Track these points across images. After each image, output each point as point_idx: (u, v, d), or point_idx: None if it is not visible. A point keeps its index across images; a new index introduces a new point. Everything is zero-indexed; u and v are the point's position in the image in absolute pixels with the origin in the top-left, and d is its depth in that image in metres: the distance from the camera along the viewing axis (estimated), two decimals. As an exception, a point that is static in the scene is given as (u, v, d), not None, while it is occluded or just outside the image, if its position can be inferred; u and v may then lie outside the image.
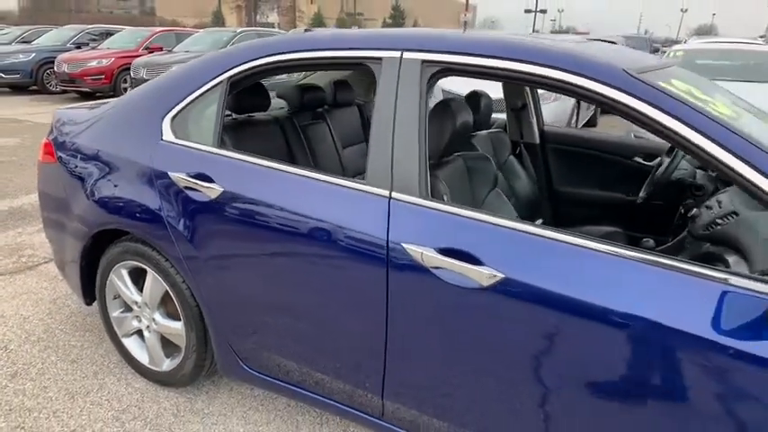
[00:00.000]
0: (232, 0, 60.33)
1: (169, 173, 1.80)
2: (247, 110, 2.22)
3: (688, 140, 1.14)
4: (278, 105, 2.68)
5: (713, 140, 1.12)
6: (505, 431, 1.35)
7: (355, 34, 1.63)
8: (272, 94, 2.35)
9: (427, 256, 1.32)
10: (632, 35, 20.35)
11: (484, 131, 2.46)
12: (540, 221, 2.70)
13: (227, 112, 2.23)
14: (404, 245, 1.36)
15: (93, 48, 11.13)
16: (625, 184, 2.53)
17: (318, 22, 69.20)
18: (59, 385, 2.11)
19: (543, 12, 44.57)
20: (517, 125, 2.67)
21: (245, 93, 2.13)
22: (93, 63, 9.96)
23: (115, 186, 1.95)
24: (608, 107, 1.25)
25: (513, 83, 1.48)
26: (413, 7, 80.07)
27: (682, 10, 75.63)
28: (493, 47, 1.38)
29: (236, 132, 2.22)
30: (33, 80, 10.93)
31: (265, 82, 2.26)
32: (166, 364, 2.07)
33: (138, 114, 1.99)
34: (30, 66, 10.82)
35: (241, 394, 2.09)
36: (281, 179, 1.60)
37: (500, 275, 1.24)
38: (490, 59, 1.36)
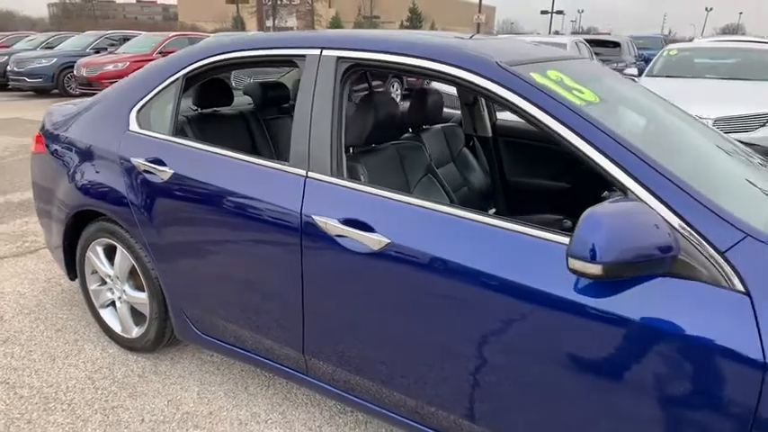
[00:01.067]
0: (251, 5, 61.28)
1: (131, 158, 2.04)
2: (211, 105, 2.45)
3: (543, 123, 1.33)
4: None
5: (563, 123, 1.30)
6: (408, 378, 1.53)
7: (286, 35, 1.85)
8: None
9: (331, 225, 1.53)
10: (647, 35, 20.19)
11: (438, 125, 2.64)
12: (492, 211, 2.88)
13: (195, 108, 2.47)
14: (314, 216, 1.57)
15: (111, 52, 11.59)
16: (571, 173, 2.69)
17: (336, 25, 69.85)
18: (43, 349, 2.37)
19: (560, 13, 44.19)
20: (470, 119, 2.85)
21: (208, 90, 2.37)
22: (110, 67, 10.40)
23: (90, 172, 2.20)
24: (482, 95, 1.43)
25: (407, 75, 1.66)
26: (430, 10, 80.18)
27: (706, 9, 74.28)
28: (390, 44, 1.58)
29: (203, 124, 2.45)
30: (55, 84, 11.43)
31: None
32: (135, 332, 2.31)
33: (111, 108, 2.24)
34: (51, 70, 11.32)
35: (201, 360, 2.32)
36: (221, 163, 1.83)
37: (387, 240, 1.44)
38: (387, 55, 1.57)
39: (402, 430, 1.68)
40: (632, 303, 1.14)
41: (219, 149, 1.86)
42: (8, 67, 11.70)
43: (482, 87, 1.42)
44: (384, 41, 1.61)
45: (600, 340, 1.18)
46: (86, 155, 2.24)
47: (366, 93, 2.07)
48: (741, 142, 2.08)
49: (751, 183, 1.52)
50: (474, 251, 1.33)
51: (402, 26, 74.43)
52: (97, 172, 2.17)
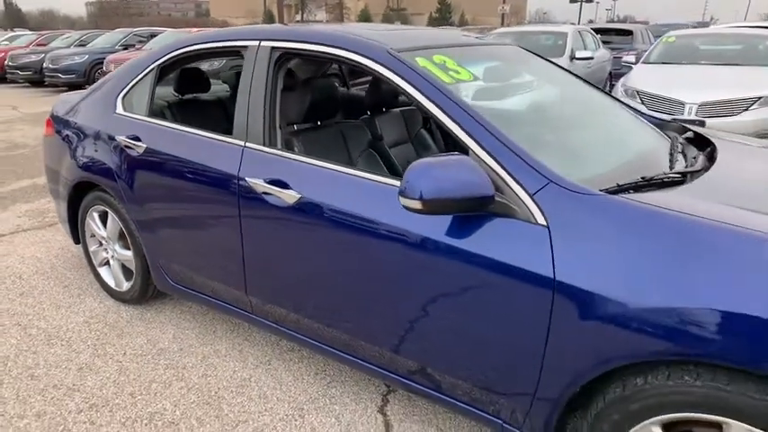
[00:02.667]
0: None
1: (116, 136, 2.43)
2: (189, 91, 2.82)
3: (415, 98, 1.63)
4: None
5: (427, 97, 1.60)
6: (331, 313, 1.84)
7: (232, 30, 2.21)
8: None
9: (259, 184, 1.88)
10: (675, 23, 19.83)
11: (397, 109, 2.95)
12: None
13: (176, 94, 2.84)
14: (247, 178, 1.92)
15: (139, 49, 12.22)
16: None
17: (365, 18, 70.11)
18: (51, 301, 2.81)
19: (589, 1, 43.27)
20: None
21: (186, 78, 2.73)
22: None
23: (87, 149, 2.61)
24: (375, 77, 1.74)
25: (323, 61, 1.98)
26: (460, 0, 79.39)
27: (749, -7, 71.31)
28: (309, 35, 1.91)
29: (184, 109, 2.82)
30: (86, 79, 12.12)
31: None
32: (125, 286, 2.72)
33: (104, 95, 2.64)
34: (83, 67, 12.02)
35: (180, 310, 2.71)
36: (183, 137, 2.20)
37: (298, 195, 1.78)
38: (307, 44, 1.90)
39: (337, 362, 2.02)
40: (463, 236, 1.44)
41: (183, 127, 2.23)
42: (44, 64, 12.47)
43: (374, 70, 1.73)
44: (305, 34, 1.95)
45: (436, 265, 1.49)
46: (84, 135, 2.64)
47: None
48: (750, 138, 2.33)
49: (604, 143, 1.79)
50: (356, 199, 1.65)
51: (431, 18, 74.08)
52: (92, 149, 2.58)
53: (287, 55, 2.00)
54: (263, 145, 1.95)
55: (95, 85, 2.82)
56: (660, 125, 2.35)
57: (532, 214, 1.39)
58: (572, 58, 7.29)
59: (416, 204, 1.35)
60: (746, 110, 5.12)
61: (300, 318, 1.97)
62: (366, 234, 1.64)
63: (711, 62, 6.25)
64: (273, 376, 2.19)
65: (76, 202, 2.81)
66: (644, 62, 6.77)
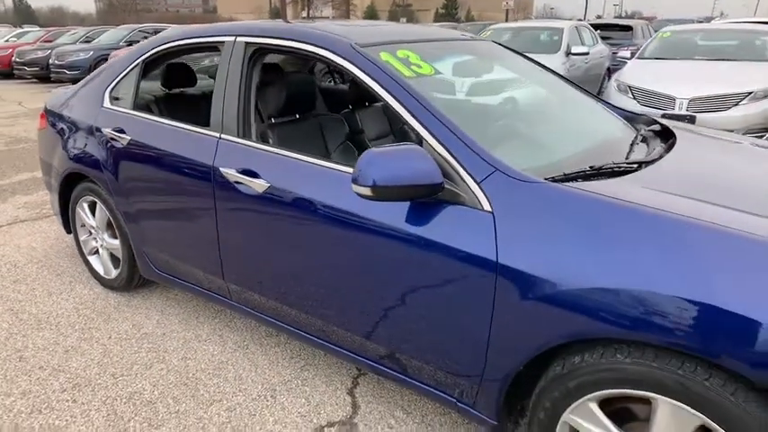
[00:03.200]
0: (287, -4, 62.02)
1: (102, 129, 2.52)
2: (176, 86, 2.90)
3: (375, 91, 1.70)
4: None
5: (387, 90, 1.67)
6: (304, 298, 1.92)
7: (213, 26, 2.28)
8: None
9: (231, 174, 1.96)
10: (679, 18, 19.68)
11: (380, 103, 3.02)
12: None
13: (164, 89, 2.93)
14: (221, 168, 2.00)
15: (142, 45, 12.34)
16: None
17: (371, 14, 69.99)
18: (44, 288, 2.91)
19: (596, -4, 42.82)
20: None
21: (172, 73, 2.82)
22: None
23: (76, 141, 2.70)
24: (340, 71, 1.82)
25: (294, 55, 2.05)
26: (466, -4, 79.02)
27: (759, -11, 70.46)
28: (280, 32, 1.99)
29: (171, 103, 2.91)
30: (91, 75, 12.28)
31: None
32: (114, 273, 2.81)
33: (92, 89, 2.73)
34: (88, 62, 12.17)
35: (166, 297, 2.81)
36: (164, 129, 2.28)
37: (267, 184, 1.86)
38: (278, 40, 1.98)
39: (312, 347, 2.10)
40: (416, 222, 1.52)
41: (164, 119, 2.32)
42: (50, 60, 12.64)
43: (339, 64, 1.81)
44: (277, 30, 2.02)
45: (391, 250, 1.56)
46: (74, 128, 2.74)
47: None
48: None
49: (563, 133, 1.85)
50: (319, 187, 1.73)
51: (437, 14, 73.81)
52: (81, 141, 2.67)
53: (260, 50, 2.07)
54: (237, 136, 2.03)
55: (86, 79, 2.91)
56: (630, 118, 2.40)
57: (479, 201, 1.46)
58: (567, 53, 7.31)
59: (367, 191, 1.42)
60: (737, 105, 5.14)
61: (275, 304, 2.05)
62: (327, 221, 1.72)
63: (706, 57, 6.26)
64: (250, 359, 2.28)
65: (67, 192, 2.91)
66: (638, 57, 6.79)
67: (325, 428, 1.89)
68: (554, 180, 1.47)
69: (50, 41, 15.04)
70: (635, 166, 1.63)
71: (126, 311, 2.68)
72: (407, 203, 1.57)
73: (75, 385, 2.12)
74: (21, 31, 17.93)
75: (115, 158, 2.45)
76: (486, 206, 1.44)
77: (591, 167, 1.57)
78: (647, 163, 1.66)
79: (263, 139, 2.17)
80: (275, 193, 1.85)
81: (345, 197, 1.67)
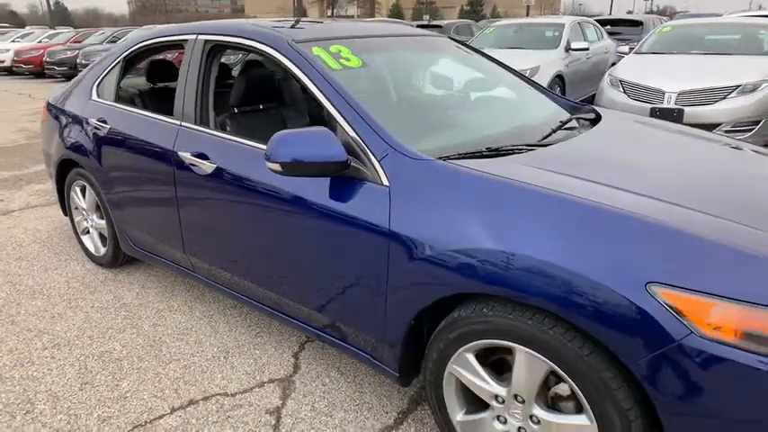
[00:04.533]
0: (312, -5, 62.80)
1: (89, 119, 2.80)
2: (159, 81, 3.17)
3: (303, 83, 1.90)
4: None
5: (312, 81, 1.87)
6: (253, 270, 2.14)
7: (180, 26, 2.53)
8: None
9: (187, 157, 2.20)
10: (702, 14, 19.22)
11: None
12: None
13: (150, 84, 3.20)
14: (179, 152, 2.24)
15: (163, 44, 12.81)
16: None
17: (396, 12, 70.13)
18: (41, 264, 3.22)
19: (622, -9, 42.03)
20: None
21: (156, 69, 3.08)
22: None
23: (69, 131, 2.99)
24: (278, 66, 2.03)
25: (243, 51, 2.26)
26: (492, -7, 78.33)
27: (799, -19, 67.81)
28: (231, 29, 2.22)
29: (154, 96, 3.17)
30: (115, 74, 12.82)
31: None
32: (102, 251, 3.10)
33: (84, 83, 3.02)
34: (112, 61, 12.68)
35: (148, 273, 3.08)
36: (137, 118, 2.54)
37: (215, 165, 2.09)
38: (229, 37, 2.21)
39: (267, 316, 2.32)
40: (330, 195, 1.72)
41: (138, 110, 2.58)
42: (78, 60, 13.23)
43: (276, 58, 2.02)
44: (229, 28, 2.25)
45: (309, 221, 1.77)
46: (68, 119, 3.03)
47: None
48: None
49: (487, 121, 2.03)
50: (253, 166, 1.95)
51: (462, 11, 73.45)
52: (72, 131, 2.96)
53: (217, 47, 2.31)
54: (195, 124, 2.27)
55: (80, 74, 3.20)
56: (573, 107, 2.55)
57: (380, 177, 1.65)
58: (567, 49, 7.37)
59: (277, 167, 1.64)
60: (724, 98, 5.16)
61: (227, 275, 2.28)
62: (261, 197, 1.94)
63: (702, 52, 6.26)
64: (212, 327, 2.52)
65: (62, 178, 3.21)
66: (636, 52, 6.82)
67: (266, 384, 2.12)
68: (447, 159, 1.65)
69: (79, 42, 15.70)
70: (526, 147, 1.80)
71: (110, 285, 2.96)
72: (327, 180, 1.78)
73: (55, 345, 2.40)
74: (53, 32, 18.73)
75: (99, 145, 2.73)
76: (385, 181, 1.64)
77: (487, 148, 1.75)
78: (543, 145, 1.83)
79: (223, 128, 2.40)
80: (220, 174, 2.08)
81: (273, 176, 1.89)
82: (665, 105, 5.33)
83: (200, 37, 2.34)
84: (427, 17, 43.33)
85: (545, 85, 6.71)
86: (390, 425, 1.90)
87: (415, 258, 1.54)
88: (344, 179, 1.73)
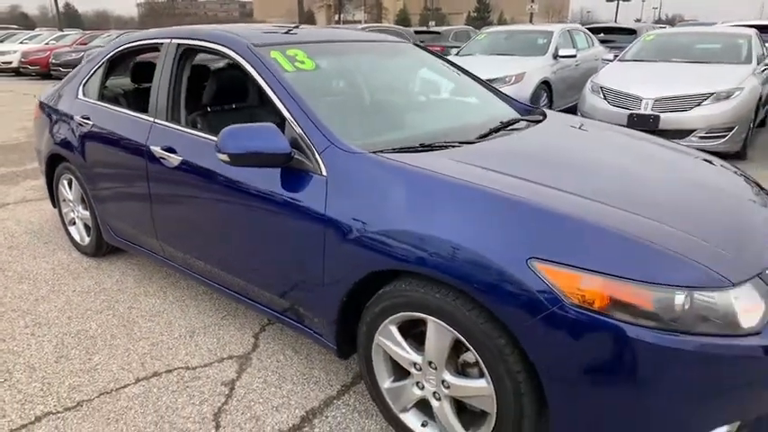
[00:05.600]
0: (320, 0, 63.35)
1: (75, 116, 3.01)
2: (143, 81, 3.37)
3: (258, 83, 2.09)
4: None
5: (266, 82, 2.06)
6: (219, 256, 2.32)
7: (155, 31, 2.74)
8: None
9: (158, 151, 2.39)
10: (706, 23, 19.33)
11: None
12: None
13: (134, 84, 3.40)
14: (151, 146, 2.44)
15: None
16: None
17: (403, 18, 70.62)
18: (31, 252, 3.43)
19: (627, 0, 42.29)
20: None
21: (139, 71, 3.28)
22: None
23: (57, 127, 3.20)
24: (238, 68, 2.22)
25: (210, 54, 2.44)
26: (498, 0, 78.68)
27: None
28: (198, 34, 2.42)
29: (138, 95, 3.37)
30: (119, 76, 13.11)
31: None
32: (86, 241, 3.30)
33: (73, 83, 3.23)
34: (116, 64, 12.98)
35: (129, 262, 3.28)
36: (116, 116, 2.74)
37: (181, 158, 2.28)
38: (196, 41, 2.41)
39: (234, 301, 2.50)
40: (281, 185, 1.90)
41: (118, 108, 2.78)
42: (83, 62, 13.53)
43: (237, 61, 2.22)
44: (197, 33, 2.45)
45: (259, 208, 1.95)
46: (57, 116, 3.24)
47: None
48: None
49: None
50: (212, 159, 2.14)
51: (469, 17, 73.86)
52: (60, 128, 3.17)
53: (187, 50, 2.51)
54: (167, 120, 2.47)
55: (69, 75, 3.41)
56: (526, 110, 2.73)
57: (320, 168, 1.84)
58: (555, 55, 7.55)
59: (225, 158, 1.82)
60: (699, 105, 5.32)
61: (196, 261, 2.46)
62: (220, 186, 2.12)
63: (683, 60, 6.42)
64: (182, 310, 2.71)
65: (52, 172, 3.41)
66: (619, 60, 6.99)
67: (225, 360, 2.30)
68: (380, 152, 1.83)
69: (85, 44, 16.03)
70: (458, 143, 1.97)
71: (93, 272, 3.16)
72: (278, 171, 1.96)
73: (36, 323, 2.60)
74: (60, 34, 19.11)
75: (82, 141, 2.93)
76: (324, 172, 1.82)
77: (421, 144, 1.93)
78: (472, 142, 2.01)
79: (194, 125, 2.59)
80: (185, 166, 2.27)
81: (231, 167, 2.07)
82: (641, 111, 5.49)
83: (173, 41, 2.55)
84: (432, 23, 43.65)
85: (530, 91, 6.89)
86: (333, 395, 2.07)
87: (344, 240, 1.72)
88: (292, 170, 1.91)
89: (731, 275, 1.35)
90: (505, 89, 6.70)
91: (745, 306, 1.35)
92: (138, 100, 3.25)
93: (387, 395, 1.82)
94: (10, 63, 16.94)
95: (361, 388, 2.11)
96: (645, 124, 5.48)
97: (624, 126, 5.54)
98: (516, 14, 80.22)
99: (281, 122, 1.98)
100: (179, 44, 2.52)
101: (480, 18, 70.28)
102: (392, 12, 75.96)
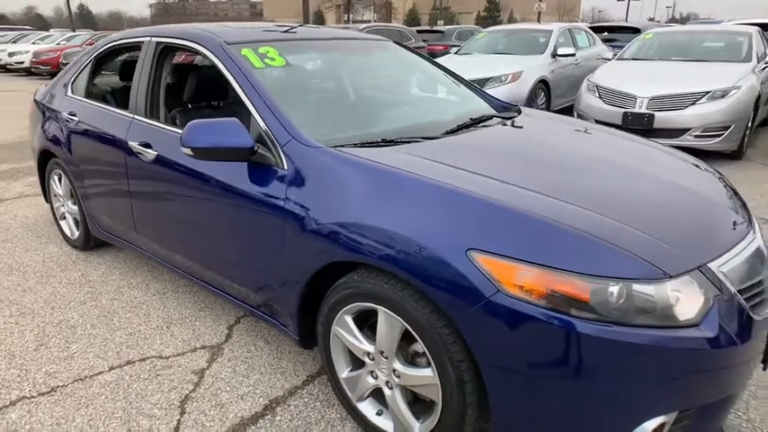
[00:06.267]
0: (328, 1, 63.50)
1: (62, 112, 3.09)
2: (130, 79, 3.43)
3: (227, 79, 2.15)
4: None
5: (234, 78, 2.12)
6: (191, 247, 2.39)
7: (137, 30, 2.81)
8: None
9: (135, 146, 2.45)
10: (717, 21, 19.12)
11: None
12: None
13: (123, 82, 3.47)
14: (129, 142, 2.50)
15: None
16: None
17: (412, 17, 70.59)
18: (23, 246, 3.52)
19: (637, -2, 41.86)
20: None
21: (126, 69, 3.35)
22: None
23: (48, 124, 3.28)
24: (212, 65, 2.28)
25: (185, 51, 2.50)
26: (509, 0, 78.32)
27: (824, -12, 66.62)
28: (174, 32, 2.48)
29: (124, 93, 3.42)
30: (126, 75, 13.29)
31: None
32: (75, 235, 3.38)
33: (63, 81, 3.31)
34: (124, 63, 13.16)
35: (116, 255, 3.35)
36: (100, 112, 2.81)
37: (155, 153, 2.34)
38: (173, 39, 2.47)
39: (211, 294, 2.57)
40: (240, 177, 1.96)
41: (101, 104, 2.86)
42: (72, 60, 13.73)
43: (210, 58, 2.27)
44: (174, 31, 2.51)
45: (224, 199, 2.00)
46: (48, 113, 3.32)
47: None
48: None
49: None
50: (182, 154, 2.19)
51: (479, 17, 73.58)
52: (50, 124, 3.25)
53: (166, 48, 2.57)
54: (145, 117, 2.53)
55: (61, 73, 3.50)
56: (504, 107, 2.76)
57: (282, 161, 1.88)
58: (554, 54, 7.54)
59: (189, 152, 1.88)
60: (693, 104, 5.29)
61: (174, 255, 2.52)
62: (190, 180, 2.18)
63: (682, 58, 6.39)
64: (162, 302, 2.78)
65: (44, 167, 3.50)
66: (618, 59, 6.97)
67: (198, 350, 2.36)
68: (341, 147, 1.87)
69: (92, 44, 16.24)
70: (421, 138, 2.01)
71: (80, 264, 3.24)
72: (245, 165, 2.01)
73: (21, 313, 2.67)
74: (71, 34, 19.39)
75: (68, 136, 3.01)
76: (285, 165, 1.87)
77: (383, 139, 1.97)
78: (434, 138, 2.04)
79: (173, 122, 2.66)
80: (160, 160, 2.33)
81: (200, 162, 2.13)
82: (636, 110, 5.48)
83: (153, 39, 2.61)
84: (441, 23, 43.56)
85: (527, 90, 6.89)
86: (298, 385, 2.12)
87: (302, 232, 1.77)
88: (257, 165, 1.96)
89: (669, 268, 1.37)
90: (502, 88, 6.74)
91: (682, 298, 1.37)
92: (125, 98, 3.32)
93: (345, 385, 1.86)
94: (22, 63, 17.23)
95: (325, 379, 2.15)
96: (639, 123, 5.47)
97: (619, 125, 5.59)
98: (527, 14, 79.71)
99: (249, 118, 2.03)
100: (158, 42, 2.58)
101: (490, 17, 69.96)
102: (401, 11, 75.87)
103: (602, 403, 1.36)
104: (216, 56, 2.23)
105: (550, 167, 1.83)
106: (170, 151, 2.29)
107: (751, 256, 1.60)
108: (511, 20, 72.00)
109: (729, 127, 5.28)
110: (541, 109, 7.36)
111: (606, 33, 10.84)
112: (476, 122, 2.38)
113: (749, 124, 5.57)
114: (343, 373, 1.86)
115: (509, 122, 2.39)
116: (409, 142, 1.98)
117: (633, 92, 5.56)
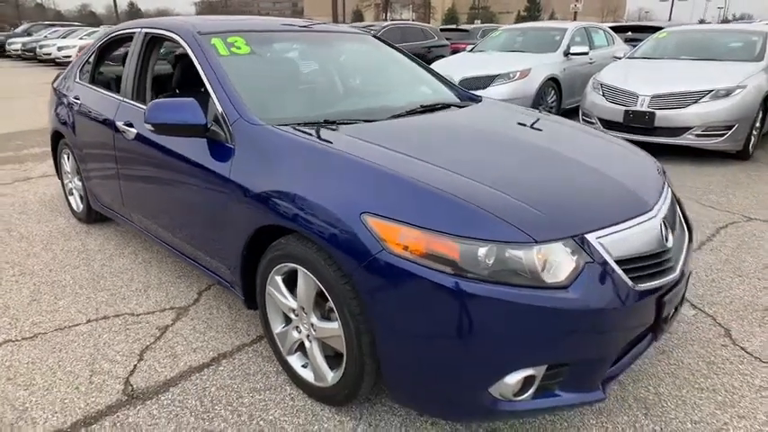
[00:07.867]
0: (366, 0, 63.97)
1: (70, 96, 3.41)
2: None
3: (195, 66, 2.38)
4: None
5: (200, 64, 2.35)
6: (172, 220, 2.65)
7: (131, 22, 3.09)
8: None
9: (120, 126, 2.73)
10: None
11: None
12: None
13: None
14: (116, 122, 2.78)
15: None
16: None
17: (451, 16, 70.36)
18: (36, 218, 3.88)
19: (682, -2, 40.50)
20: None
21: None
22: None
23: (59, 107, 3.62)
24: (187, 54, 2.52)
25: (166, 41, 2.75)
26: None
27: None
28: (158, 24, 2.74)
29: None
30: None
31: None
32: (80, 209, 3.71)
33: (73, 68, 3.64)
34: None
35: (115, 229, 3.66)
36: (97, 95, 3.11)
37: (136, 131, 2.61)
38: (157, 29, 2.73)
39: (189, 266, 2.82)
40: (198, 151, 2.19)
41: (99, 88, 3.16)
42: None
43: (182, 46, 2.52)
44: (158, 23, 2.77)
45: (184, 171, 2.24)
46: (60, 97, 3.66)
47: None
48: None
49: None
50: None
51: (519, 16, 72.70)
52: (61, 108, 3.59)
53: (152, 38, 2.83)
54: (132, 99, 2.80)
55: (73, 62, 3.84)
56: (470, 98, 2.91)
57: (230, 138, 2.10)
58: (566, 53, 7.54)
59: (150, 127, 2.12)
60: (695, 102, 5.26)
61: (153, 225, 2.79)
62: (161, 155, 2.43)
63: (692, 57, 6.31)
64: (146, 270, 3.05)
65: (56, 147, 3.85)
66: (628, 57, 6.93)
67: (167, 310, 2.61)
68: (282, 126, 2.07)
69: (135, 40, 17.02)
70: (362, 121, 2.19)
71: (82, 235, 3.56)
72: (204, 141, 2.24)
73: (22, 273, 3.00)
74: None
75: (73, 118, 3.33)
76: (232, 141, 2.09)
77: (325, 121, 2.17)
78: (373, 120, 2.22)
79: (158, 104, 2.91)
80: (139, 138, 2.59)
81: (169, 138, 2.37)
82: (637, 108, 5.47)
83: (143, 30, 2.88)
84: (478, 21, 43.34)
85: (536, 87, 6.93)
86: (247, 343, 2.34)
87: (241, 200, 1.98)
88: (213, 141, 2.18)
89: (537, 234, 1.51)
90: (510, 85, 6.81)
91: (552, 262, 1.51)
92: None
93: (278, 340, 2.07)
94: (69, 57, 18.19)
95: (273, 338, 2.36)
96: (640, 121, 5.47)
97: (621, 123, 5.60)
98: (568, 14, 78.15)
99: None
100: (146, 33, 2.85)
101: (530, 17, 69.02)
102: (440, 11, 75.74)
103: (474, 354, 1.51)
104: (188, 44, 2.47)
105: (464, 145, 1.98)
106: (145, 129, 2.54)
107: (643, 233, 1.71)
108: (551, 19, 70.85)
109: (733, 126, 5.22)
110: (552, 107, 7.39)
111: (630, 33, 10.68)
112: (428, 110, 2.54)
113: (757, 124, 5.48)
114: (277, 329, 2.06)
115: (457, 110, 2.54)
116: (348, 124, 2.16)
117: (635, 90, 5.56)
